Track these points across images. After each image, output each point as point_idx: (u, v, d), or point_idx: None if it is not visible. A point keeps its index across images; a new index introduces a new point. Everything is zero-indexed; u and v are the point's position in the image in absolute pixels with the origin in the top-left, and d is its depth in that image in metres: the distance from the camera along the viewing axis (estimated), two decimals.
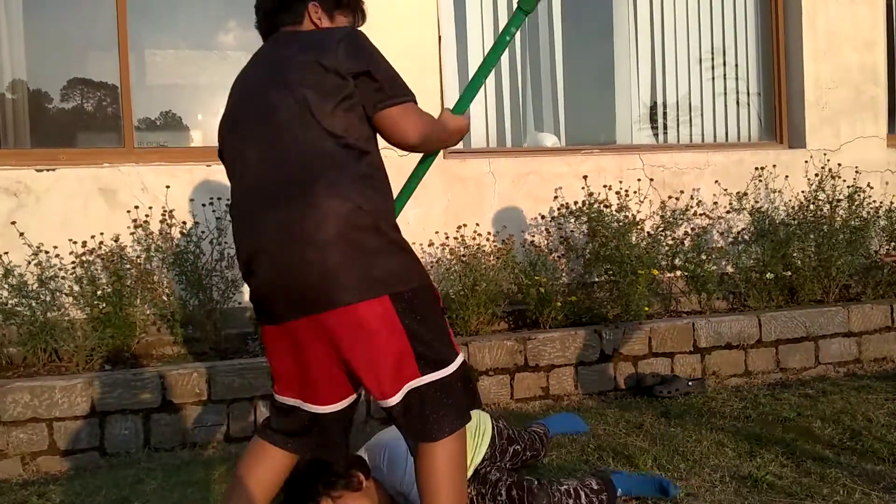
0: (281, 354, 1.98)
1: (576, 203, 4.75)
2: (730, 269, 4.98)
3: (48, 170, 4.32)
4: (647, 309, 4.50)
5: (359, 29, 2.02)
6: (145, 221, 4.18)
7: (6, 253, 4.01)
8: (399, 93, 1.94)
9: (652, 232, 4.74)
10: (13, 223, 4.13)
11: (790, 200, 5.27)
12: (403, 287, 1.85)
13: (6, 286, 3.91)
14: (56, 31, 4.82)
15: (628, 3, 5.63)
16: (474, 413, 3.32)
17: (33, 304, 3.90)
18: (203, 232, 4.22)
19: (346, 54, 1.89)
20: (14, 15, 4.65)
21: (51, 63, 4.85)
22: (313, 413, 1.99)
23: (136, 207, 4.26)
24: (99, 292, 3.95)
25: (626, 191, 4.83)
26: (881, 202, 5.24)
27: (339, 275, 1.79)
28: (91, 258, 4.06)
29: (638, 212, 4.83)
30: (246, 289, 4.24)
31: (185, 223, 4.22)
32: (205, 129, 5.16)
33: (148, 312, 4.14)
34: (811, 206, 5.05)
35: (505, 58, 5.32)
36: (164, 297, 4.12)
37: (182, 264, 4.08)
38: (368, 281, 1.81)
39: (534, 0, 2.25)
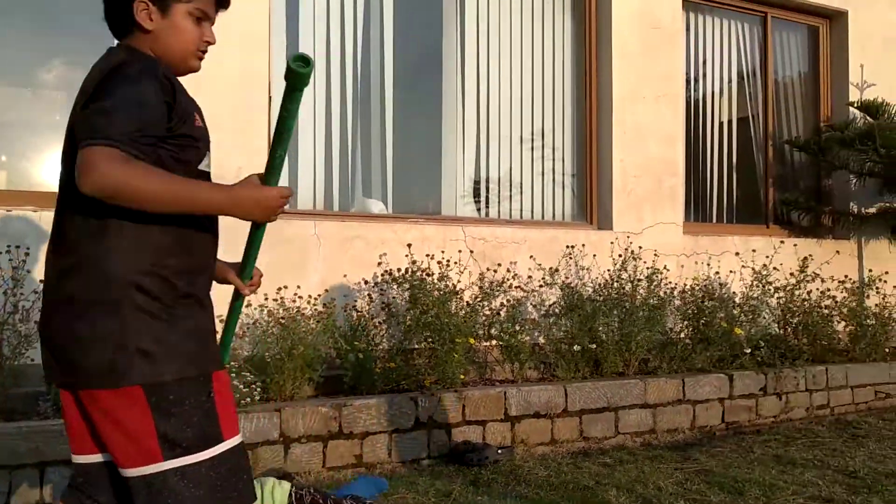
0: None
1: (399, 270, 4.82)
2: (542, 339, 5.21)
3: None
4: (462, 377, 4.60)
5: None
6: None
7: None
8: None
9: (471, 302, 4.89)
10: None
11: (597, 278, 5.63)
12: (155, 378, 1.74)
13: None
14: None
15: (456, 81, 5.90)
16: (267, 481, 3.24)
17: None
18: None
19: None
20: None
21: None
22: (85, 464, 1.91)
23: None
24: None
25: (448, 261, 4.97)
26: (676, 283, 5.71)
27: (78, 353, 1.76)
28: None
29: (458, 281, 4.98)
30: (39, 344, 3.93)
31: None
32: (9, 170, 4.81)
33: None
34: (615, 284, 5.41)
35: (335, 122, 5.39)
36: None
37: None
38: (116, 366, 1.73)
39: (305, 76, 1.77)
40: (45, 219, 4.26)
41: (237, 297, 2.12)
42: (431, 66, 5.90)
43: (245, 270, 2.08)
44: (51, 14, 4.78)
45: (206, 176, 1.91)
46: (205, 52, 1.97)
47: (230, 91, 4.65)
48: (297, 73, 1.73)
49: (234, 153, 4.62)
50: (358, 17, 5.50)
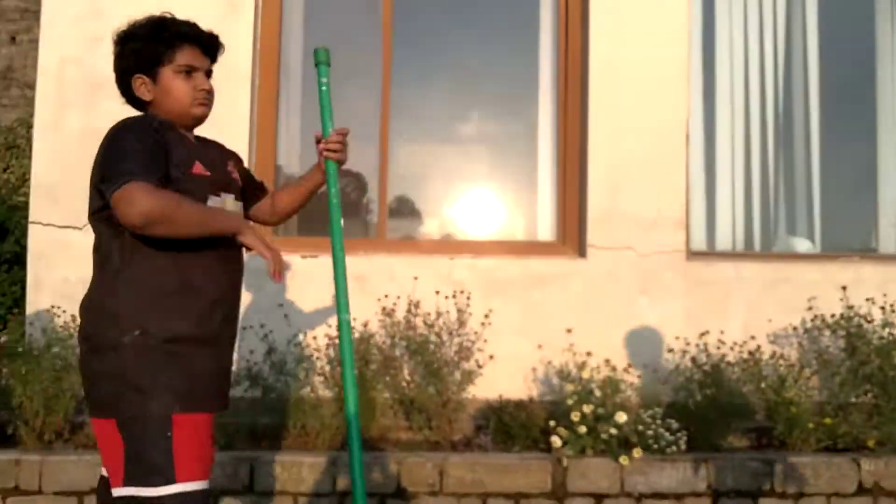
0: None
1: (832, 315, 4.39)
2: None
3: (311, 257, 4.67)
4: None
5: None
6: (392, 310, 4.40)
7: (271, 332, 4.34)
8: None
9: None
10: (280, 305, 4.47)
11: None
12: (125, 414, 1.92)
13: (269, 362, 4.24)
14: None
15: (894, 93, 5.22)
16: None
17: (289, 381, 4.20)
18: (444, 323, 4.36)
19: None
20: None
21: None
22: None
23: (386, 296, 4.49)
24: None
25: (892, 305, 4.39)
26: None
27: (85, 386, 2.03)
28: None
29: None
30: (480, 381, 4.32)
31: (429, 314, 4.39)
32: (442, 220, 5.35)
33: (387, 396, 4.31)
34: None
35: (755, 154, 5.10)
36: (404, 384, 4.28)
37: (423, 353, 4.24)
38: (99, 400, 1.98)
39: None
40: (482, 265, 4.68)
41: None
42: (863, 78, 5.30)
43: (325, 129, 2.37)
44: (465, 75, 5.24)
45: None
46: (206, 99, 2.09)
47: (646, 138, 4.68)
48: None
49: (651, 198, 4.65)
50: (779, 39, 5.16)
